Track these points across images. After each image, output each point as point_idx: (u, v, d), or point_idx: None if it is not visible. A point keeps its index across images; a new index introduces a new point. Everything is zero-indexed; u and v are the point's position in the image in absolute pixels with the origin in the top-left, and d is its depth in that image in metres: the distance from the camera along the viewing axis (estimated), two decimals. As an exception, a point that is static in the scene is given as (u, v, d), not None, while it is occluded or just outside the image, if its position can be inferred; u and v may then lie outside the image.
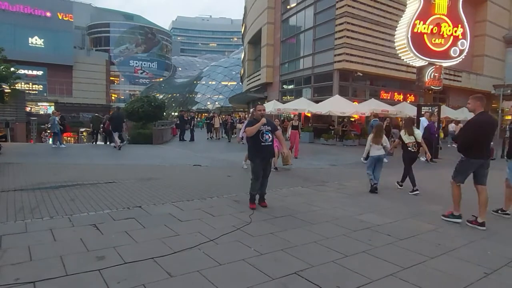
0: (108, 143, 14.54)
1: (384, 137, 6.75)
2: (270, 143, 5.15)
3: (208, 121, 21.72)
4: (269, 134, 5.14)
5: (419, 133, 6.97)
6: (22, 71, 40.07)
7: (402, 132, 6.93)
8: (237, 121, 22.47)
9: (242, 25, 42.18)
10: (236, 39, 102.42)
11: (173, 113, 50.41)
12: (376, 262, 3.32)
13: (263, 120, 5.10)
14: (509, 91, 21.20)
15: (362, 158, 7.18)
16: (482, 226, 4.46)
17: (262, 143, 5.08)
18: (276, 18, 28.14)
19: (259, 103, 23.01)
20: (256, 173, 5.13)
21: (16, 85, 27.69)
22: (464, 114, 22.27)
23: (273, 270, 3.04)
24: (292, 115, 19.99)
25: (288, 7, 26.72)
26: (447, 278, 3.04)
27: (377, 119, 12.66)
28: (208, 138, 20.28)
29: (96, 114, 17.83)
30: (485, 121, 4.60)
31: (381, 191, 6.74)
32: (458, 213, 4.73)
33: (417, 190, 6.56)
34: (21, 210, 4.70)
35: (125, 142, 14.30)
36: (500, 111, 21.42)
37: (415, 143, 6.72)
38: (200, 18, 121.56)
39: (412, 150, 6.73)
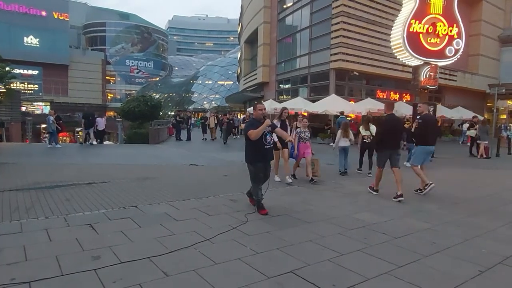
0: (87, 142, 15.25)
1: (350, 131, 8.48)
2: (272, 145, 4.85)
3: (203, 121, 21.33)
4: (271, 135, 4.86)
5: (374, 128, 8.24)
6: (17, 71, 39.74)
7: (361, 127, 8.68)
8: (240, 120, 21.63)
9: (239, 25, 42.17)
10: (232, 38, 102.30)
11: (169, 113, 50.25)
12: (372, 261, 3.34)
13: (268, 121, 4.72)
14: (503, 90, 21.39)
15: (332, 149, 8.97)
16: (401, 197, 5.72)
17: (265, 146, 4.77)
18: (273, 18, 28.17)
19: (256, 102, 22.99)
20: (258, 178, 4.84)
21: (11, 85, 27.42)
22: (460, 113, 22.43)
23: (269, 269, 3.05)
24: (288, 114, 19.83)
25: (285, 6, 26.75)
26: (442, 276, 3.06)
27: (343, 116, 13.72)
28: (203, 139, 20.00)
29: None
30: (390, 120, 6.10)
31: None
32: (376, 188, 6.31)
33: (361, 170, 8.64)
34: (16, 210, 4.68)
35: (90, 140, 15.19)
36: (495, 110, 21.57)
37: (370, 135, 8.28)
38: (197, 17, 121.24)
39: (367, 142, 8.42)
